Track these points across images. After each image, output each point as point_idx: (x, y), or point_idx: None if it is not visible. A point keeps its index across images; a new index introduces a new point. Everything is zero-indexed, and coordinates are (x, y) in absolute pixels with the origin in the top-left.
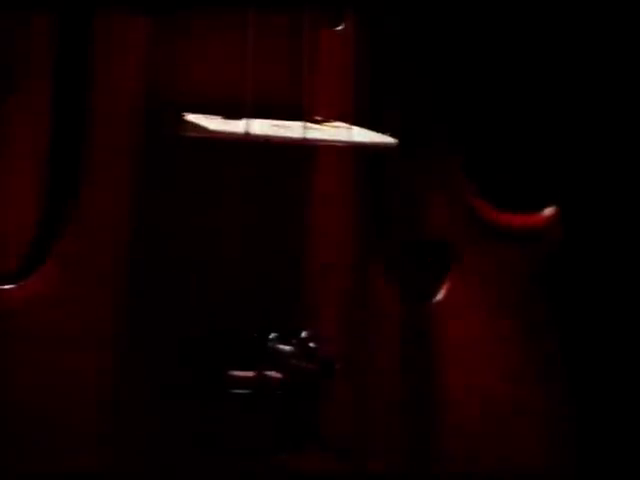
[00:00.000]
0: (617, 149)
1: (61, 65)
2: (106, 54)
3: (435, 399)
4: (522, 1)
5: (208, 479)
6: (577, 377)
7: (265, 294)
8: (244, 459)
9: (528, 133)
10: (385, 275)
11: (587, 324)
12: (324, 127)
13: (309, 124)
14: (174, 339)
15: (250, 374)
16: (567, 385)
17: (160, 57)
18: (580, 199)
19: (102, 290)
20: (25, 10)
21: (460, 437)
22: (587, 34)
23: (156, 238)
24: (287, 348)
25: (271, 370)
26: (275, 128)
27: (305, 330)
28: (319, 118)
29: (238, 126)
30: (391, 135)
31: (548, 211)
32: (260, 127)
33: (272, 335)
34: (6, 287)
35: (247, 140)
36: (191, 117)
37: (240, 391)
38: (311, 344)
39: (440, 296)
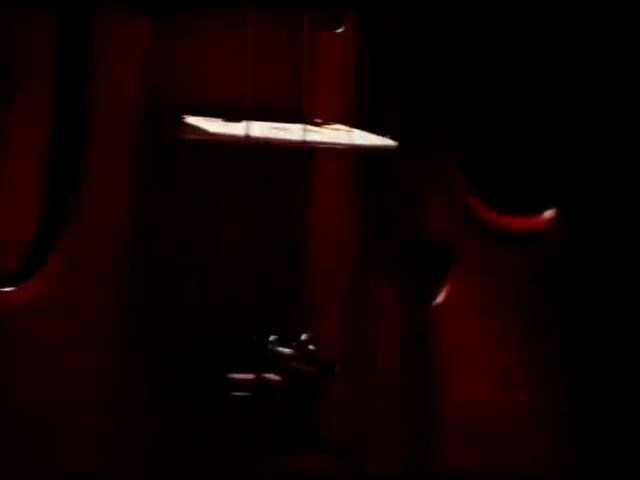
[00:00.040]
0: (617, 151)
1: (61, 65)
2: (106, 54)
3: (435, 400)
4: (522, 1)
5: (208, 479)
6: (577, 377)
7: (265, 296)
8: (244, 460)
9: (528, 136)
10: (385, 277)
11: (587, 325)
12: (324, 130)
13: (309, 127)
14: (174, 341)
15: (250, 377)
16: (567, 385)
17: (160, 59)
18: (580, 201)
19: (102, 291)
20: (25, 9)
21: (460, 438)
22: (588, 35)
23: (156, 239)
24: (287, 351)
25: (271, 373)
26: (275, 131)
27: (305, 332)
28: (319, 121)
29: (238, 129)
30: (391, 137)
31: (548, 214)
32: (260, 130)
33: (272, 337)
34: (6, 290)
35: (247, 143)
36: (191, 120)
37: (240, 394)
38: (311, 347)
39: (440, 298)
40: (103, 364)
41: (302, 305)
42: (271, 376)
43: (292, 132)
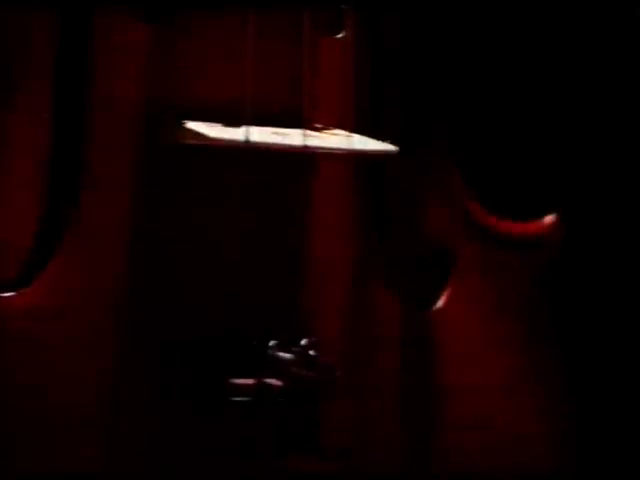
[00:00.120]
0: (617, 156)
1: (61, 65)
2: (106, 54)
3: (435, 403)
4: (523, 5)
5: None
6: (577, 378)
7: (265, 301)
8: (244, 464)
9: (529, 141)
10: (385, 282)
11: (587, 327)
12: (324, 135)
13: (309, 132)
14: (174, 346)
15: (250, 382)
16: (567, 386)
17: (160, 62)
18: (580, 206)
19: (102, 294)
20: (25, 9)
21: (460, 438)
22: (589, 39)
23: (156, 243)
24: (287, 356)
25: (271, 378)
26: (275, 136)
27: (305, 338)
28: (319, 126)
29: (238, 134)
30: (391, 142)
31: (548, 219)
32: (260, 135)
33: (272, 343)
34: (6, 295)
35: (247, 148)
36: (191, 124)
37: (240, 399)
38: (311, 352)
39: (440, 302)
40: (103, 365)
41: (302, 310)
42: (271, 381)
43: (292, 137)
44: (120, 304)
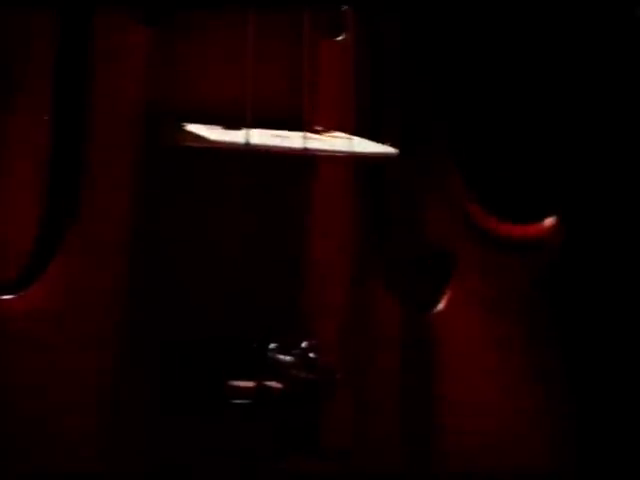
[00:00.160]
0: (617, 159)
1: (61, 65)
2: (106, 54)
3: (435, 404)
4: (523, 4)
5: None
6: (577, 378)
7: (265, 303)
8: (244, 465)
9: (529, 144)
10: (386, 284)
11: (587, 329)
12: (324, 137)
13: (309, 134)
14: (174, 349)
15: (250, 384)
16: (567, 386)
17: (160, 64)
18: (580, 208)
19: (102, 296)
20: (25, 9)
21: (460, 439)
22: (589, 39)
23: (156, 245)
24: (287, 358)
25: (271, 380)
26: (275, 138)
27: (305, 340)
28: (319, 128)
29: (238, 136)
30: (391, 145)
31: (548, 221)
32: (260, 137)
33: (272, 345)
34: (7, 297)
35: (247, 150)
36: (191, 127)
37: (240, 401)
38: (311, 354)
39: (441, 305)
40: (103, 365)
41: (302, 312)
42: (272, 384)
43: (292, 140)
44: (120, 305)
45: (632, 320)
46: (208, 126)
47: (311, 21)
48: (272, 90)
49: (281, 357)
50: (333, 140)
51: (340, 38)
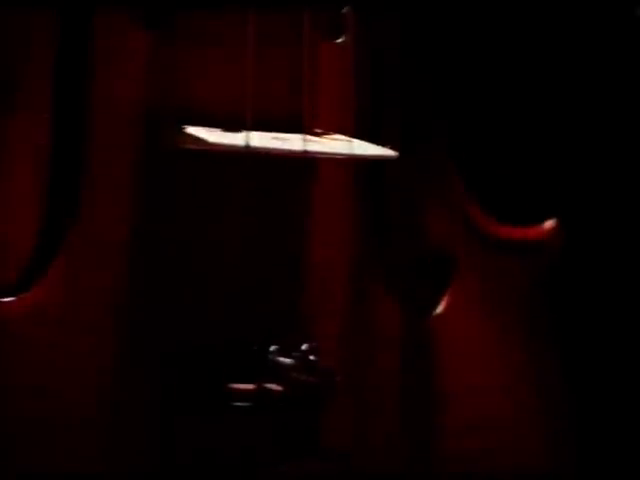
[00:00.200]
0: (617, 161)
1: (61, 65)
2: (106, 58)
3: (435, 406)
4: (524, 8)
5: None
6: (577, 380)
7: (265, 306)
8: (244, 468)
9: (529, 146)
10: (386, 287)
11: (587, 331)
12: (324, 140)
13: (309, 137)
14: (174, 352)
15: (250, 387)
16: (567, 386)
17: (160, 66)
18: (580, 211)
19: (102, 299)
20: (25, 9)
21: (460, 440)
22: (589, 39)
23: (156, 248)
24: (287, 361)
25: (272, 383)
26: (275, 141)
27: (305, 343)
28: (319, 131)
29: (238, 139)
30: (391, 147)
31: (548, 224)
32: (260, 140)
33: (272, 348)
34: (8, 297)
35: (247, 153)
36: (191, 129)
37: (241, 404)
38: (311, 357)
39: (441, 308)
40: (103, 365)
41: (303, 315)
42: (272, 386)
43: (292, 142)
44: (120, 305)
45: (631, 321)
46: (208, 129)
47: (311, 24)
48: (272, 93)
49: (281, 360)
50: (333, 143)
51: (340, 40)
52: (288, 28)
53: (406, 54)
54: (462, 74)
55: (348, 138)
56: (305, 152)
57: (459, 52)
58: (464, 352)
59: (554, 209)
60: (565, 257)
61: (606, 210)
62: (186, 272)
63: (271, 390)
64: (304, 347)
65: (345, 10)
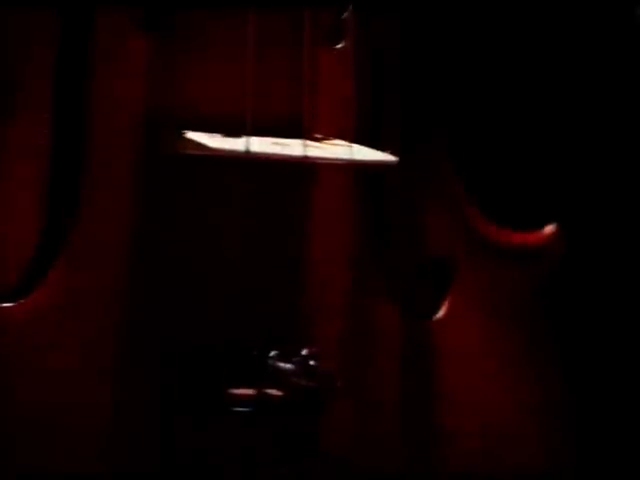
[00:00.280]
0: (618, 167)
1: (61, 65)
2: (106, 61)
3: (435, 408)
4: (524, 9)
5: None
6: (577, 382)
7: (265, 310)
8: (244, 471)
9: (529, 152)
10: (386, 291)
11: (587, 336)
12: (324, 145)
13: (309, 142)
14: (174, 356)
15: (250, 392)
16: (566, 387)
17: (160, 71)
18: (581, 216)
19: (102, 305)
20: (25, 9)
21: (460, 442)
22: (589, 39)
23: (156, 254)
24: (287, 366)
25: (272, 388)
26: (275, 146)
27: (305, 347)
28: (319, 136)
29: (238, 144)
30: (391, 152)
31: (548, 229)
32: (260, 145)
33: (272, 353)
34: (6, 305)
35: (247, 158)
36: (191, 135)
37: (240, 409)
38: (311, 362)
39: (441, 312)
40: (103, 365)
41: (303, 319)
42: (272, 391)
43: (292, 147)
44: (120, 306)
45: (631, 325)
46: (208, 134)
47: (311, 29)
48: (272, 98)
49: (281, 365)
50: (333, 148)
51: (340, 46)
52: (288, 31)
53: (406, 55)
54: (462, 78)
55: (348, 143)
56: (305, 157)
57: (459, 54)
58: (464, 355)
59: (554, 214)
60: (565, 262)
61: (606, 215)
62: (185, 276)
63: (271, 395)
64: (304, 352)
65: (345, 15)
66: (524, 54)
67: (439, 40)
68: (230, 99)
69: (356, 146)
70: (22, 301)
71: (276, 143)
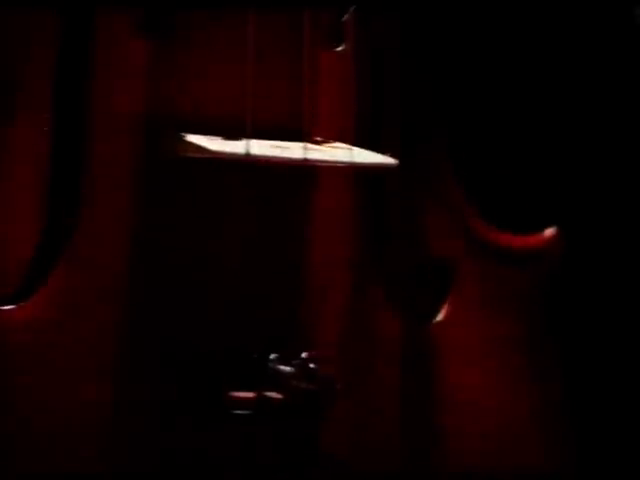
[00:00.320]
0: (617, 169)
1: (61, 65)
2: (106, 63)
3: (435, 410)
4: (523, 9)
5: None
6: (576, 379)
7: (265, 314)
8: (244, 474)
9: (529, 155)
10: (386, 295)
11: (587, 338)
12: (324, 148)
13: (309, 145)
14: (174, 357)
15: (250, 395)
16: (566, 387)
17: (160, 67)
18: (581, 219)
19: (102, 309)
20: (25, 9)
21: (460, 442)
22: (589, 39)
23: (156, 257)
24: (287, 369)
25: (272, 391)
26: (275, 149)
27: (305, 351)
28: (319, 139)
29: (238, 147)
30: (391, 155)
31: (549, 232)
32: (260, 148)
33: (272, 356)
34: (6, 308)
35: (247, 161)
36: (191, 138)
37: (240, 411)
38: (311, 365)
39: (441, 316)
40: (103, 365)
41: (302, 323)
42: (272, 394)
43: (292, 150)
44: (120, 307)
45: (631, 326)
46: (208, 137)
47: (311, 30)
48: (272, 101)
49: (281, 368)
50: (333, 151)
51: (340, 48)
52: (288, 33)
53: (406, 56)
54: (462, 79)
55: (348, 146)
56: (305, 160)
57: (459, 54)
58: (464, 359)
59: (554, 217)
60: (565, 265)
61: (606, 218)
62: (186, 274)
63: (271, 398)
64: (304, 355)
65: (345, 18)
66: (524, 54)
67: (439, 41)
68: (230, 99)
69: (356, 149)
70: (22, 302)
71: (276, 146)
